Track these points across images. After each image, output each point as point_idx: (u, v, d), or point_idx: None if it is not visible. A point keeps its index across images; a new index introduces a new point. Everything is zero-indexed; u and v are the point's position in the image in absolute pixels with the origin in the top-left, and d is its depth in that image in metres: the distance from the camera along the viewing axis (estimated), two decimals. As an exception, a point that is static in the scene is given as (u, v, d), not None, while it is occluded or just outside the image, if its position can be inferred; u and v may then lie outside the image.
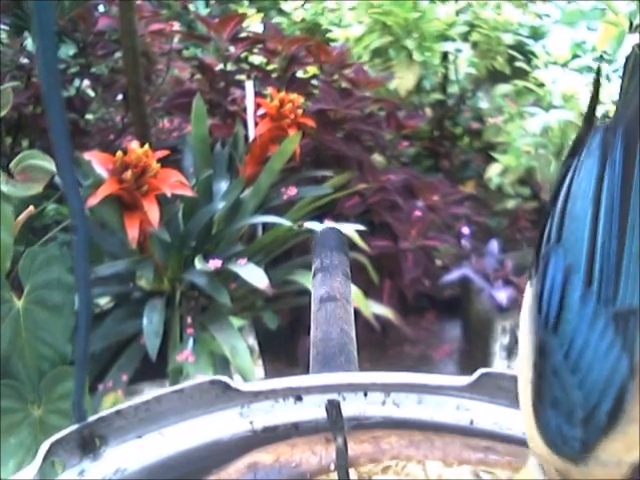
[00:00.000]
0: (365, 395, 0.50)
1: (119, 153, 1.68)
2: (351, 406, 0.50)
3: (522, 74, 2.63)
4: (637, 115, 0.39)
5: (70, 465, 0.45)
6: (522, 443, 0.50)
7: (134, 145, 1.74)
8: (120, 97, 2.43)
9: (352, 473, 0.47)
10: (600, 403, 0.37)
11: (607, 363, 0.36)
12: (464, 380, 0.50)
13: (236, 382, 0.49)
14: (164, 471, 0.47)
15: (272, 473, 0.47)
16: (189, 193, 1.81)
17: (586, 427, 0.37)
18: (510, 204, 2.59)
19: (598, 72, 1.67)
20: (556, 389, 0.38)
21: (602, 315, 0.36)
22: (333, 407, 0.48)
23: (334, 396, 0.50)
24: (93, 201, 1.60)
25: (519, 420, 0.50)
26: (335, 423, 0.47)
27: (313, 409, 0.50)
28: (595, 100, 0.46)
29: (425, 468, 0.48)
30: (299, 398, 0.50)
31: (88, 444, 0.45)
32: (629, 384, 0.36)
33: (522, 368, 0.41)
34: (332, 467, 0.47)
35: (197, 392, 0.48)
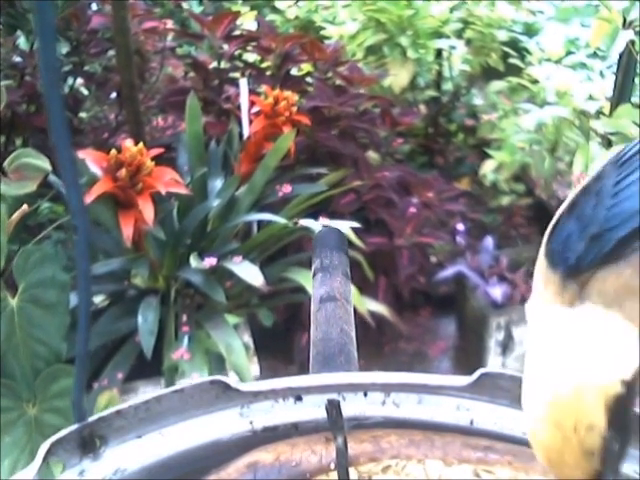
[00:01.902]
0: (365, 395, 0.50)
1: (113, 151, 1.67)
2: (351, 406, 0.50)
3: (516, 71, 2.63)
4: None
5: (70, 465, 0.45)
6: (522, 443, 0.50)
7: (128, 143, 1.73)
8: (114, 95, 2.42)
9: (352, 472, 0.47)
10: (616, 228, 0.42)
11: None
12: (464, 380, 0.50)
13: (236, 382, 0.48)
14: (164, 471, 0.47)
15: (272, 472, 0.47)
16: (184, 191, 1.81)
17: (590, 244, 0.43)
18: (505, 200, 2.60)
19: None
20: (589, 206, 0.44)
21: None
22: (333, 407, 0.47)
23: (334, 396, 0.50)
24: (87, 199, 1.59)
25: (519, 420, 0.50)
26: (335, 423, 0.47)
27: (313, 409, 0.50)
28: None
29: (425, 467, 0.48)
30: (299, 398, 0.50)
31: (88, 444, 0.45)
32: None
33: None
34: (332, 466, 0.48)
35: (197, 392, 0.48)
